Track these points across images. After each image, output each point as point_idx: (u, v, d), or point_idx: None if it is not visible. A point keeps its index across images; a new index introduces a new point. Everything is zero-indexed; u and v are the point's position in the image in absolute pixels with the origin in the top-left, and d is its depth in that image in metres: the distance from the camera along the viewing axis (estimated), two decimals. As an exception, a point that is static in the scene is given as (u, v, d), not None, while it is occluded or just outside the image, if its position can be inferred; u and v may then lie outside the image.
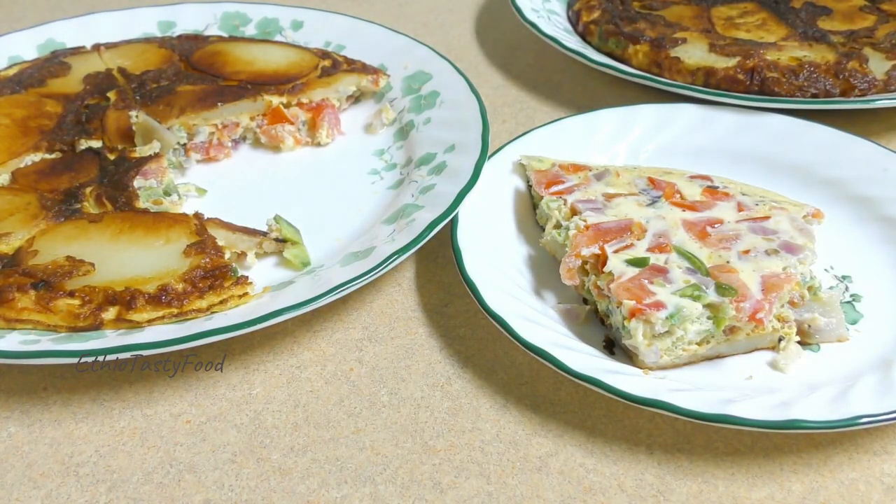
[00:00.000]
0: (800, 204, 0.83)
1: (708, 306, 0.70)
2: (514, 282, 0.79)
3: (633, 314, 0.69)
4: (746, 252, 0.75)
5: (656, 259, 0.75)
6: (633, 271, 0.73)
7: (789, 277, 0.73)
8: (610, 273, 0.73)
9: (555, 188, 0.86)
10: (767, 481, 0.65)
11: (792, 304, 0.74)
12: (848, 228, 0.86)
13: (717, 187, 0.85)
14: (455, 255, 0.78)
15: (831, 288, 0.79)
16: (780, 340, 0.73)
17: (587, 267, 0.77)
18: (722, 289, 0.71)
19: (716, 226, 0.79)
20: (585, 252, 0.76)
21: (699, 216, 0.80)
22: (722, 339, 0.71)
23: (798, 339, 0.73)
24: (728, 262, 0.74)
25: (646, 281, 0.72)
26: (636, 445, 0.68)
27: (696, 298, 0.70)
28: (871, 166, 0.90)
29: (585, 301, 0.79)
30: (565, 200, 0.84)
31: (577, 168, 0.89)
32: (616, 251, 0.76)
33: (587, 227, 0.79)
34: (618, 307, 0.71)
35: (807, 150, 0.93)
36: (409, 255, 0.80)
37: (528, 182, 0.90)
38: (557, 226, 0.82)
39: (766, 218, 0.80)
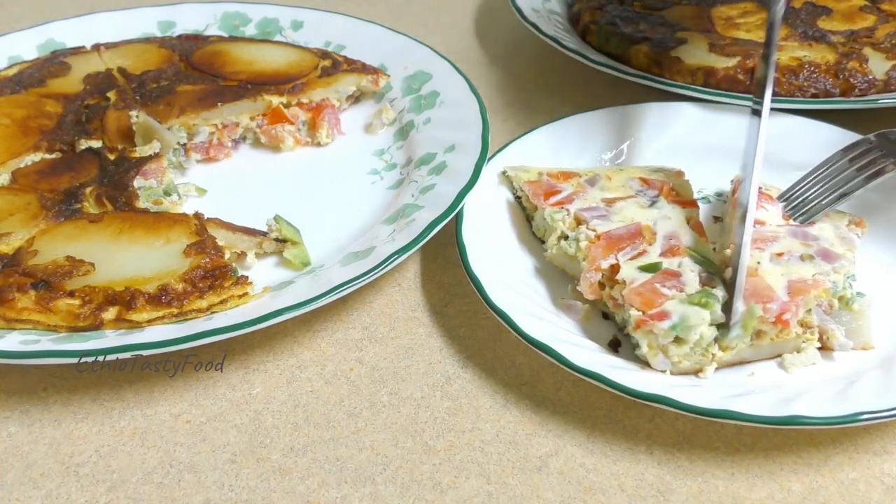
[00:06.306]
0: (841, 212, 0.82)
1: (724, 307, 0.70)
2: (518, 278, 0.79)
3: (637, 326, 0.69)
4: (780, 255, 0.75)
5: (669, 264, 0.74)
6: (644, 277, 0.72)
7: (816, 283, 0.72)
8: (623, 281, 0.73)
9: (554, 199, 0.84)
10: (767, 481, 0.65)
11: (825, 310, 0.73)
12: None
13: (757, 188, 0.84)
14: (459, 250, 0.78)
15: (859, 294, 0.76)
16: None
17: (602, 279, 0.75)
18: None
19: (757, 226, 0.78)
20: (604, 264, 0.75)
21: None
22: (747, 344, 0.70)
23: (819, 345, 0.72)
24: (759, 262, 0.73)
25: (658, 285, 0.71)
26: (636, 445, 0.68)
27: (704, 306, 0.69)
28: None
29: (605, 315, 0.77)
30: (568, 210, 0.82)
31: (566, 175, 0.87)
32: (630, 259, 0.75)
33: (598, 237, 0.77)
34: (629, 313, 0.71)
35: (807, 150, 0.93)
36: (410, 255, 0.79)
37: (515, 194, 0.88)
38: (563, 237, 0.80)
39: (811, 224, 0.79)
